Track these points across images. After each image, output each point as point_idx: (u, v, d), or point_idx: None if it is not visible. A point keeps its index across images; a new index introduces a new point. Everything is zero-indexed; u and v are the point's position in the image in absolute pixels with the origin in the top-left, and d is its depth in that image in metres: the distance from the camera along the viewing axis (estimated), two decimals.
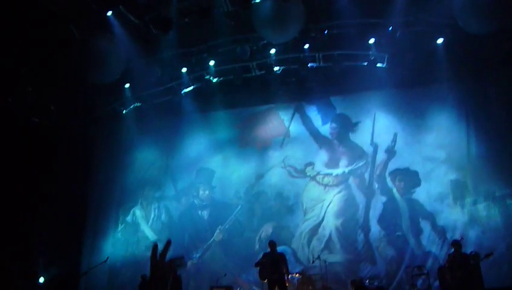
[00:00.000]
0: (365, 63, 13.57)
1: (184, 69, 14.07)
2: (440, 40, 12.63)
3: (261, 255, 12.33)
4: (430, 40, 12.71)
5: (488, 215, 12.37)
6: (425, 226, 12.88)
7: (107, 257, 11.94)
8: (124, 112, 14.92)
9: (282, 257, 10.41)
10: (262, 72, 14.16)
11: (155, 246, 2.17)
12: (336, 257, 13.14)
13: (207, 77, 14.29)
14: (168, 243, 2.09)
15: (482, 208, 12.47)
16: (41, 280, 13.09)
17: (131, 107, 14.91)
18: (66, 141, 14.17)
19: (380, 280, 12.09)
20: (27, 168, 13.10)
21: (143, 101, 14.72)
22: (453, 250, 10.42)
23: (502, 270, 11.48)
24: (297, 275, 11.36)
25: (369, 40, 12.89)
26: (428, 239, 12.72)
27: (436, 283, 11.12)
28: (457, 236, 12.06)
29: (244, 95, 14.84)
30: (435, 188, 13.05)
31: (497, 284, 10.95)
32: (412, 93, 13.91)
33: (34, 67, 12.22)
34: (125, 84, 14.19)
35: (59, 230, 13.74)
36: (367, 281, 11.84)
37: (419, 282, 11.36)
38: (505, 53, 12.28)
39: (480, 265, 10.14)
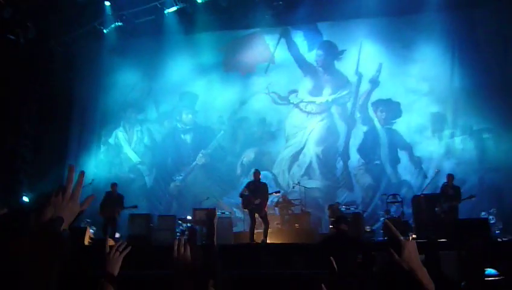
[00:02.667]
0: None
1: None
2: None
3: (242, 180, 12.78)
4: None
5: (464, 148, 12.77)
6: (403, 156, 13.28)
7: (92, 179, 12.06)
8: (105, 31, 14.37)
9: (264, 185, 10.68)
10: None
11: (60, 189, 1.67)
12: (315, 182, 13.56)
13: None
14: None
15: (458, 141, 12.86)
16: (26, 199, 13.27)
17: (113, 26, 14.35)
18: (45, 60, 13.77)
19: (356, 206, 12.58)
20: (6, 87, 12.80)
21: (124, 21, 14.16)
22: (446, 181, 10.75)
23: (471, 201, 12.02)
24: (276, 193, 11.68)
25: None
26: (405, 169, 13.17)
27: (409, 210, 11.61)
28: (432, 167, 12.56)
29: (230, 17, 14.36)
30: (415, 119, 13.30)
31: (467, 213, 11.51)
32: (400, 22, 13.68)
33: None
34: (105, 1, 13.62)
35: (42, 150, 13.77)
36: (343, 207, 12.30)
37: (393, 209, 11.86)
38: None
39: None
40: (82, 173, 1.77)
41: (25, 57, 13.26)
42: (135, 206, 11.72)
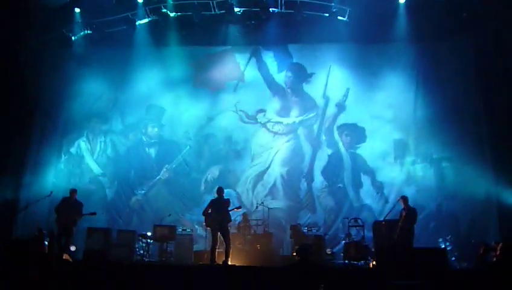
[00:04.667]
0: (327, 14, 13.49)
1: (140, 0, 13.44)
2: (402, 0, 12.83)
3: (205, 197, 12.70)
4: None
5: (424, 175, 13.15)
6: (366, 180, 13.54)
7: (51, 192, 11.65)
8: (74, 38, 14.12)
9: (227, 202, 10.62)
10: (222, 11, 13.80)
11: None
12: (279, 203, 13.59)
13: (164, 10, 13.75)
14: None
15: (419, 168, 13.23)
16: None
17: (81, 34, 14.12)
18: (11, 64, 13.32)
19: (318, 228, 12.70)
20: None
21: (94, 29, 13.98)
22: (402, 206, 10.84)
23: (429, 226, 12.41)
24: (237, 209, 11.54)
25: None
26: (367, 193, 13.42)
27: (369, 234, 11.78)
28: (394, 192, 12.89)
29: (201, 33, 14.37)
30: (379, 145, 13.60)
31: (423, 238, 11.76)
32: (369, 49, 14.05)
33: None
34: (75, 8, 13.44)
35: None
36: (305, 228, 12.39)
37: (354, 232, 11.99)
38: (461, 21, 12.61)
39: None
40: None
41: None
42: (94, 213, 11.19)
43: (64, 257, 10.08)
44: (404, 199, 10.76)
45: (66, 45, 14.24)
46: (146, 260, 11.61)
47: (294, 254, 10.04)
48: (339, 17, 13.40)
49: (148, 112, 14.78)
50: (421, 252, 8.75)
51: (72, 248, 11.27)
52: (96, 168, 14.53)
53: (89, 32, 14.17)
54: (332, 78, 14.21)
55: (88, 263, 9.98)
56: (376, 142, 13.65)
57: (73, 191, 11.21)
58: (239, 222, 12.36)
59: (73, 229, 10.86)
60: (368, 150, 13.69)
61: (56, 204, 11.17)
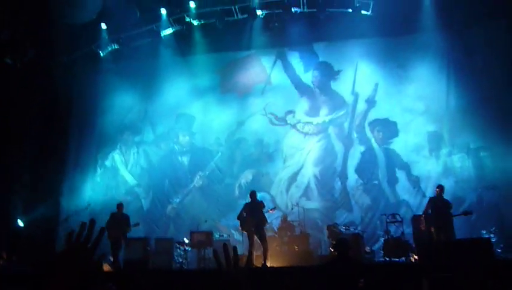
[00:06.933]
0: (350, 10, 13.37)
1: (163, 11, 13.64)
2: None
3: (240, 202, 12.66)
4: None
5: (462, 166, 12.75)
6: (401, 175, 13.24)
7: (89, 204, 11.96)
8: (102, 54, 14.45)
9: (261, 204, 10.61)
10: (245, 15, 13.90)
11: (82, 225, 1.62)
12: (314, 203, 13.46)
13: (187, 19, 13.92)
14: (92, 225, 1.50)
15: (456, 159, 12.84)
16: (21, 223, 13.11)
17: (109, 49, 14.43)
18: (44, 82, 13.75)
19: (356, 227, 12.46)
20: (6, 109, 12.78)
21: (121, 44, 14.29)
22: (435, 194, 10.69)
23: (470, 218, 11.96)
24: (272, 211, 11.46)
25: None
26: (403, 188, 13.11)
27: (409, 230, 11.52)
28: (431, 186, 12.48)
29: (226, 39, 14.46)
30: (412, 139, 13.30)
31: (465, 231, 11.44)
32: (395, 42, 13.83)
33: (9, 5, 11.61)
34: (101, 24, 13.74)
35: (38, 173, 13.68)
36: (343, 228, 12.19)
37: (393, 229, 11.74)
38: (491, 6, 12.20)
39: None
40: (102, 230, 1.68)
41: (23, 79, 13.27)
42: (137, 224, 11.52)
43: (104, 268, 10.26)
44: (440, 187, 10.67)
45: (96, 61, 14.62)
46: (185, 267, 11.69)
47: (331, 249, 9.91)
48: (363, 12, 13.26)
49: (178, 121, 14.97)
50: (465, 244, 8.47)
51: (111, 258, 11.42)
52: (131, 179, 14.79)
53: (116, 47, 14.46)
54: (360, 74, 14.03)
55: (128, 272, 10.14)
56: (409, 135, 13.36)
57: (120, 205, 11.53)
58: (279, 224, 12.29)
59: (123, 242, 11.05)
60: (401, 145, 13.40)
61: (94, 216, 11.39)
